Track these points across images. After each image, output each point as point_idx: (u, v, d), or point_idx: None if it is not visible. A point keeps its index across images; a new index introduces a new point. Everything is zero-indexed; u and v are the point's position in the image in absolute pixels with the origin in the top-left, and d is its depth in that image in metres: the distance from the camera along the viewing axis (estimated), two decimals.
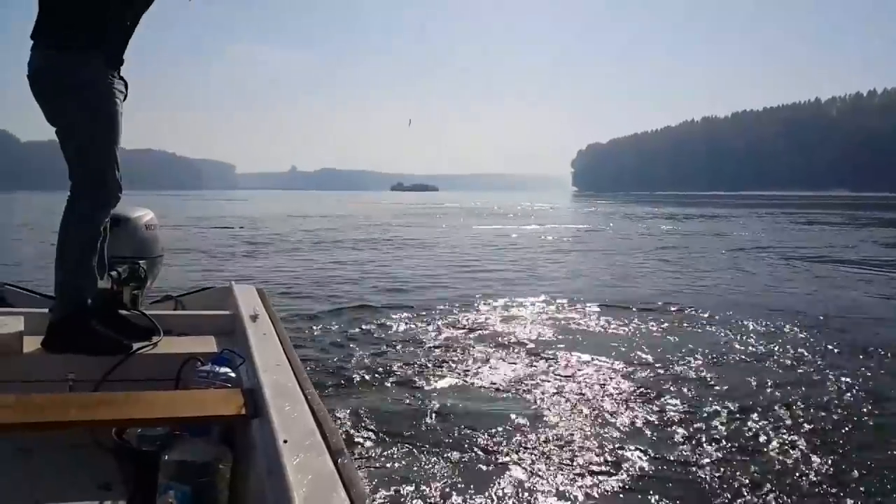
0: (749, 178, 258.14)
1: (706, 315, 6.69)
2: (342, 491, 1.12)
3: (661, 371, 4.64)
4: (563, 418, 3.70)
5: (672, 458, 3.17)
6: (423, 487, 2.82)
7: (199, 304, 3.06)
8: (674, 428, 3.56)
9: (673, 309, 7.04)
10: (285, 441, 1.30)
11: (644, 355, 5.03)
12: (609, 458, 3.15)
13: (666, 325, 6.24)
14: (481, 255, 13.76)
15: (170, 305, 3.13)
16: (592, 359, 4.90)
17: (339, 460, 1.23)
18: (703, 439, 3.40)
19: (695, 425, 3.59)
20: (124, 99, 2.31)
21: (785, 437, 3.45)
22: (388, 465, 3.05)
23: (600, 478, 2.95)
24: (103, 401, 1.63)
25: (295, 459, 1.22)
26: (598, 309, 6.97)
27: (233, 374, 1.83)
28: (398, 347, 5.29)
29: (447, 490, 2.81)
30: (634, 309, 6.95)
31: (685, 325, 6.34)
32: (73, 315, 2.13)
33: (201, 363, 1.91)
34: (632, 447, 3.26)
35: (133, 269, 2.85)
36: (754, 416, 3.74)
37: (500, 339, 5.62)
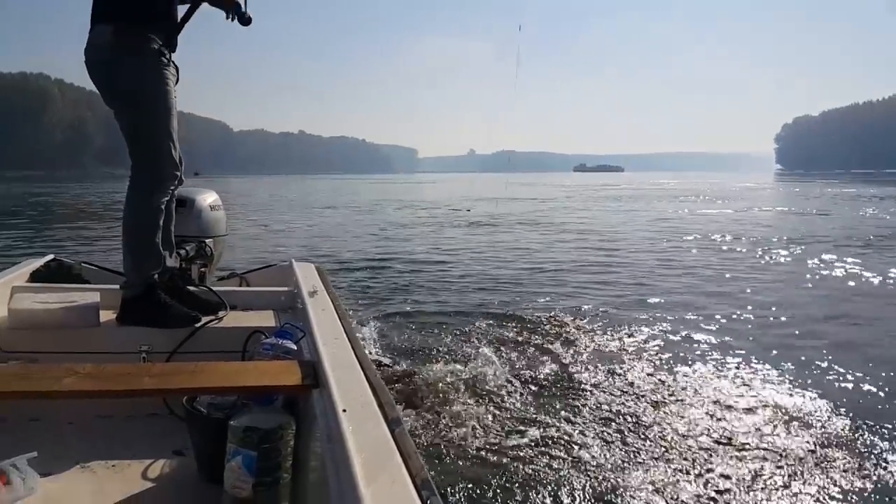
0: None
1: None
2: (398, 457, 1.16)
3: None
4: None
5: None
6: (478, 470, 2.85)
7: (262, 281, 3.17)
8: None
9: None
10: (344, 410, 1.34)
11: None
12: None
13: None
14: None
15: (235, 282, 3.25)
16: None
17: (395, 429, 1.27)
18: None
19: None
20: (176, 83, 2.35)
21: None
22: (443, 439, 3.09)
23: None
24: (175, 371, 1.72)
25: (353, 427, 1.27)
26: None
27: (294, 347, 1.90)
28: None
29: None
30: None
31: None
32: (145, 291, 2.25)
33: (265, 336, 2.00)
34: None
35: (200, 248, 2.98)
36: None
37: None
